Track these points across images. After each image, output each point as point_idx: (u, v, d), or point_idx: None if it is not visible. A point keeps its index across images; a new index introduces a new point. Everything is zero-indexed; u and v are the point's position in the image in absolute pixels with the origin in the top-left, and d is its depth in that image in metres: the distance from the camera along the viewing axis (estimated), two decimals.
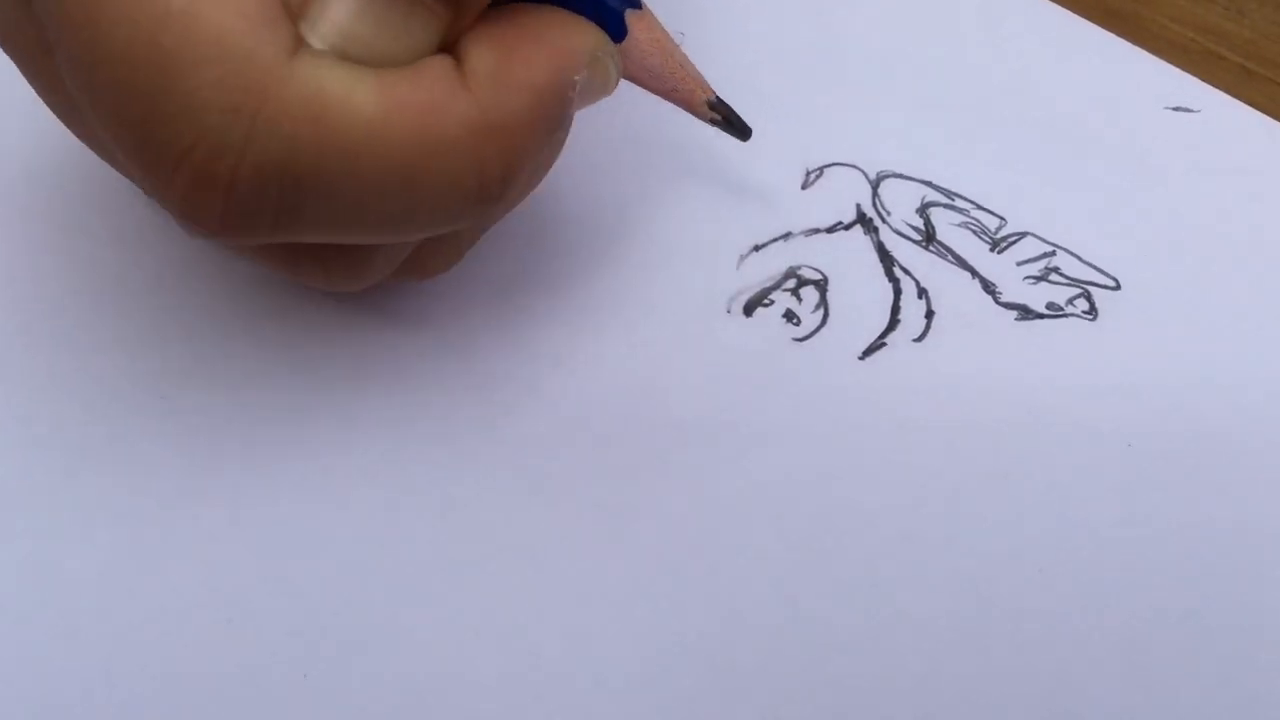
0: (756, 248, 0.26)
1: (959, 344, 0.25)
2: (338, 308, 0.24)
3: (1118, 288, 0.26)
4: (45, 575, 0.21)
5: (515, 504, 0.22)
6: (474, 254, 0.25)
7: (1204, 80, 0.30)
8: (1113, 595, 0.21)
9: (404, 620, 0.21)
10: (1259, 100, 0.29)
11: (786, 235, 0.26)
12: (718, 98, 0.23)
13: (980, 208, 0.27)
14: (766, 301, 0.25)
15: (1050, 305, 0.25)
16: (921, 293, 0.25)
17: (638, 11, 0.21)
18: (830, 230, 0.26)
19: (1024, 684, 0.20)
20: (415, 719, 0.20)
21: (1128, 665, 0.21)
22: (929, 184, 0.27)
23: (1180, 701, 0.20)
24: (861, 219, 0.27)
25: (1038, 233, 0.26)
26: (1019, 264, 0.26)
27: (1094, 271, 0.26)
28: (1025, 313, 0.25)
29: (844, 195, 0.27)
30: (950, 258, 0.26)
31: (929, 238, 0.26)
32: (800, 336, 0.25)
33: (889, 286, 0.26)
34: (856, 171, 0.27)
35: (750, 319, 0.25)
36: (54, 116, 0.20)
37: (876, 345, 0.25)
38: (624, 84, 0.21)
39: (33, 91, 0.20)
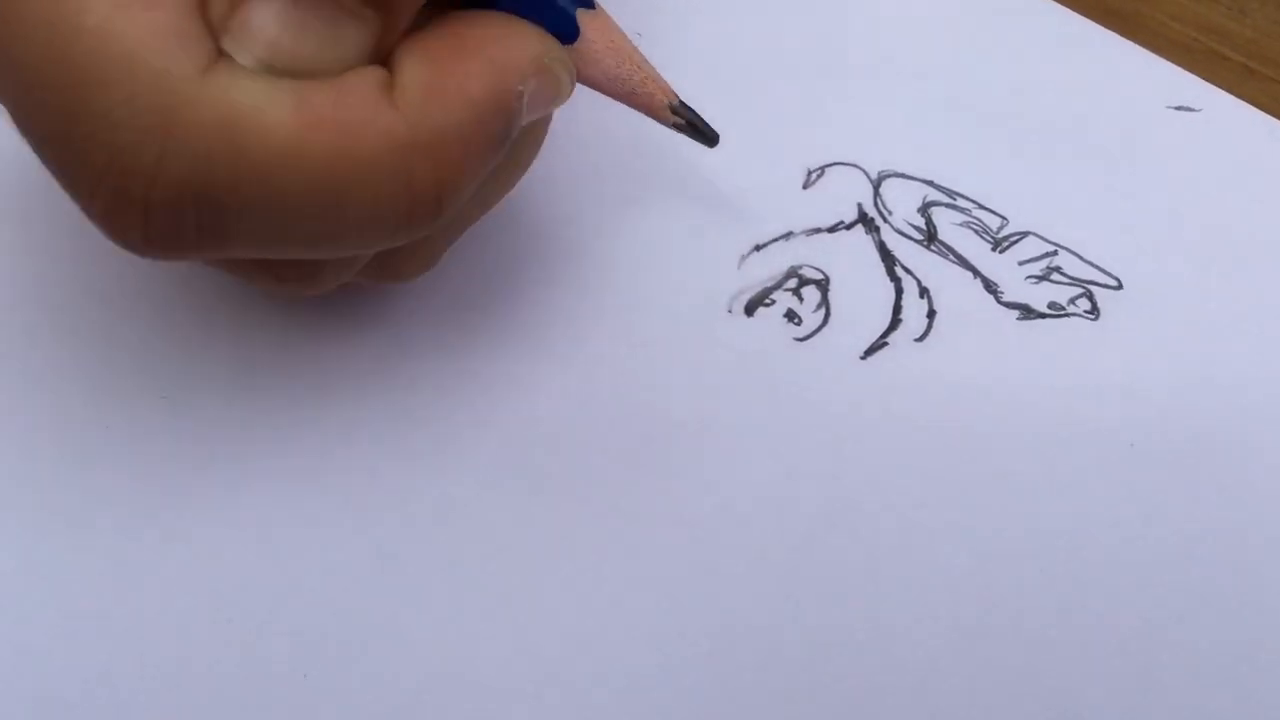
0: (758, 247, 0.26)
1: (961, 344, 0.25)
2: (338, 309, 0.24)
3: (1120, 287, 0.26)
4: (45, 575, 0.21)
5: (515, 504, 0.22)
6: (475, 254, 0.25)
7: (1206, 79, 0.29)
8: (1114, 595, 0.21)
9: (404, 620, 0.21)
10: (1261, 99, 0.29)
11: (788, 235, 0.26)
12: (681, 101, 0.22)
13: (982, 207, 0.27)
14: (768, 301, 0.25)
15: (1052, 305, 0.25)
16: (923, 292, 0.25)
17: (590, 11, 0.20)
18: (832, 230, 0.26)
19: (1025, 684, 0.20)
20: (415, 718, 0.20)
21: (1129, 665, 0.21)
22: (930, 183, 0.27)
23: (1181, 701, 0.20)
24: (863, 218, 0.27)
25: (1039, 232, 0.26)
26: (1021, 263, 0.26)
27: (1096, 271, 0.26)
28: (1027, 312, 0.25)
29: (845, 195, 0.27)
30: (952, 257, 0.26)
31: (930, 237, 0.26)
32: (801, 336, 0.25)
33: (890, 286, 0.25)
34: (858, 171, 0.27)
35: (751, 319, 0.25)
36: None
37: (878, 345, 0.25)
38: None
39: None
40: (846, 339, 0.25)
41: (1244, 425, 0.24)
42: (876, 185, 0.27)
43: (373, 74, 0.17)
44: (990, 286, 0.26)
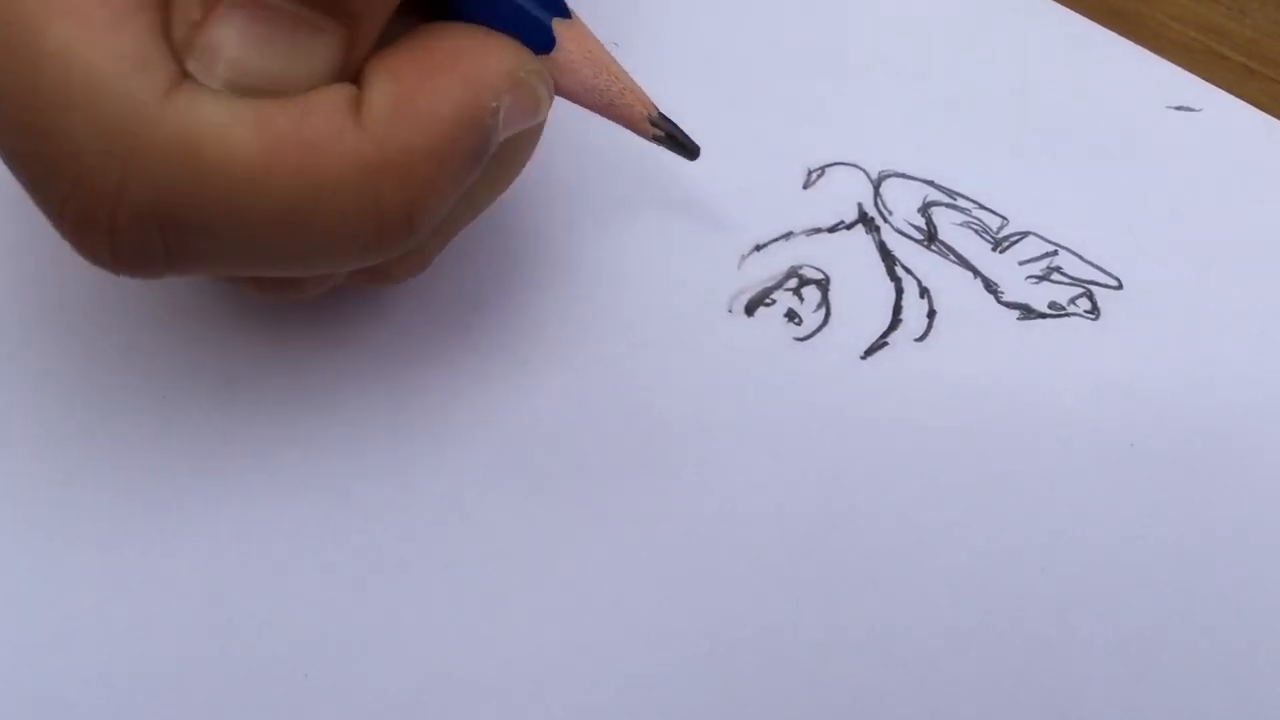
0: (758, 247, 0.26)
1: (961, 344, 0.25)
2: (338, 308, 0.24)
3: (1120, 287, 0.26)
4: (45, 575, 0.21)
5: (515, 504, 0.22)
6: (474, 254, 0.25)
7: (1206, 79, 0.29)
8: (1114, 594, 0.21)
9: (404, 620, 0.21)
10: (1261, 99, 0.29)
11: (788, 235, 0.26)
12: (660, 113, 0.21)
13: (982, 207, 0.27)
14: (768, 301, 0.25)
15: (1052, 305, 0.25)
16: (923, 292, 0.25)
17: (566, 21, 0.19)
18: (832, 230, 0.26)
19: (1026, 683, 0.20)
20: (415, 717, 0.20)
21: (1130, 665, 0.21)
22: (931, 183, 0.27)
23: (1182, 701, 0.20)
24: (863, 218, 0.27)
25: (1040, 232, 0.26)
26: (1021, 263, 0.26)
27: (1096, 271, 0.26)
28: (1027, 312, 0.25)
29: (846, 194, 0.27)
30: (952, 257, 0.26)
31: (931, 237, 0.26)
32: (802, 336, 0.25)
33: (891, 286, 0.25)
34: (858, 171, 0.27)
35: (752, 318, 0.25)
36: None
37: (878, 345, 0.25)
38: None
39: None
40: (847, 339, 0.25)
41: (1244, 425, 0.24)
42: (877, 185, 0.27)
43: (340, 92, 0.17)
44: (990, 286, 0.26)
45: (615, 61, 0.20)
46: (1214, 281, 0.26)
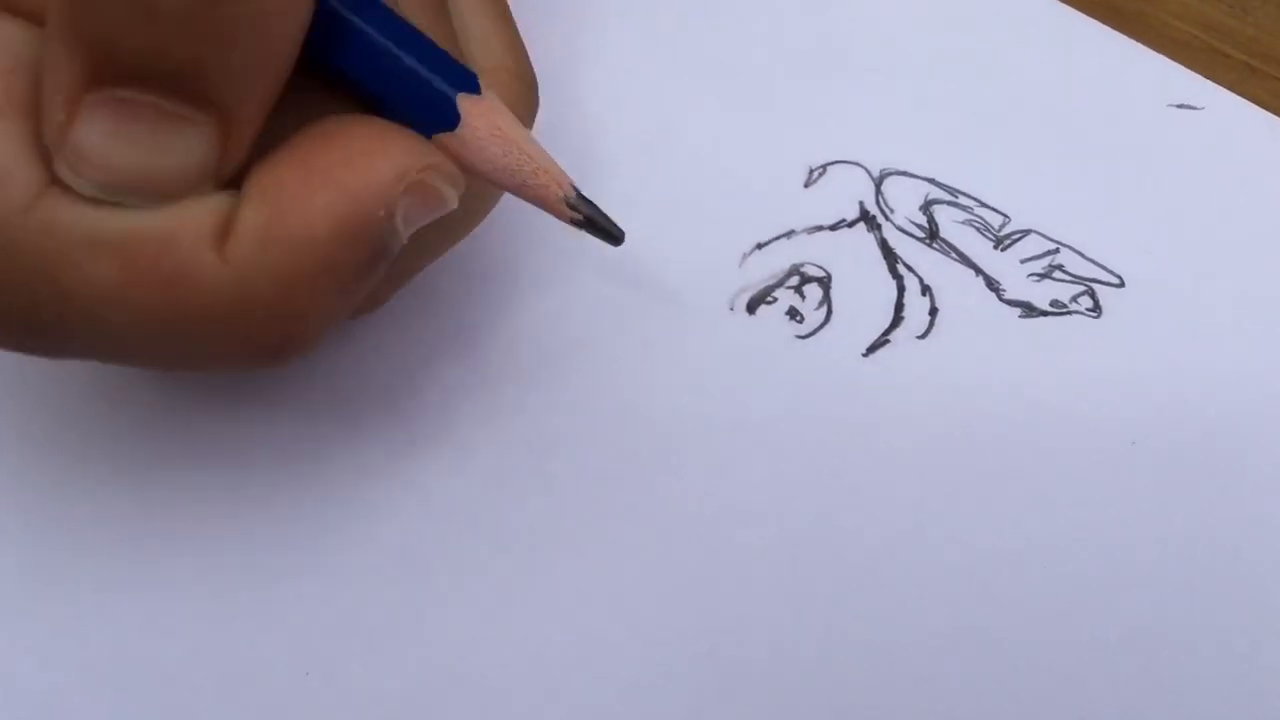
0: (759, 245, 0.26)
1: (962, 341, 0.25)
2: None
3: (1122, 285, 0.26)
4: (45, 574, 0.21)
5: (515, 502, 0.22)
6: (474, 253, 0.25)
7: (1208, 77, 0.29)
8: (1115, 592, 0.21)
9: (405, 618, 0.21)
10: (1263, 97, 0.29)
11: (789, 233, 0.26)
12: (580, 195, 0.19)
13: (984, 205, 0.27)
14: (770, 299, 0.25)
15: (1054, 303, 0.25)
16: (925, 290, 0.25)
17: (474, 96, 0.18)
18: (833, 227, 0.26)
19: (1026, 681, 0.20)
20: (416, 717, 0.20)
21: (1130, 663, 0.21)
22: (932, 181, 0.27)
23: (1182, 700, 0.20)
24: (865, 216, 0.27)
25: (1041, 230, 0.26)
26: (1023, 261, 0.26)
27: (1098, 269, 0.26)
28: (1029, 310, 0.25)
29: (847, 192, 0.27)
30: (954, 255, 0.26)
31: (932, 235, 0.26)
32: (803, 334, 0.25)
33: (892, 284, 0.25)
34: (859, 169, 0.27)
35: (753, 316, 0.25)
36: None
37: (880, 342, 0.25)
38: None
39: None
40: (848, 336, 0.25)
41: (1246, 423, 0.24)
42: (878, 183, 0.27)
43: (209, 215, 0.16)
44: (992, 284, 0.26)
45: (529, 138, 0.19)
46: (1216, 280, 0.26)
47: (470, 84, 0.18)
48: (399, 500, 0.22)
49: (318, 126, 0.17)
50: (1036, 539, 0.22)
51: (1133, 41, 0.30)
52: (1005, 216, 0.27)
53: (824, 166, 0.27)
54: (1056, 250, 0.26)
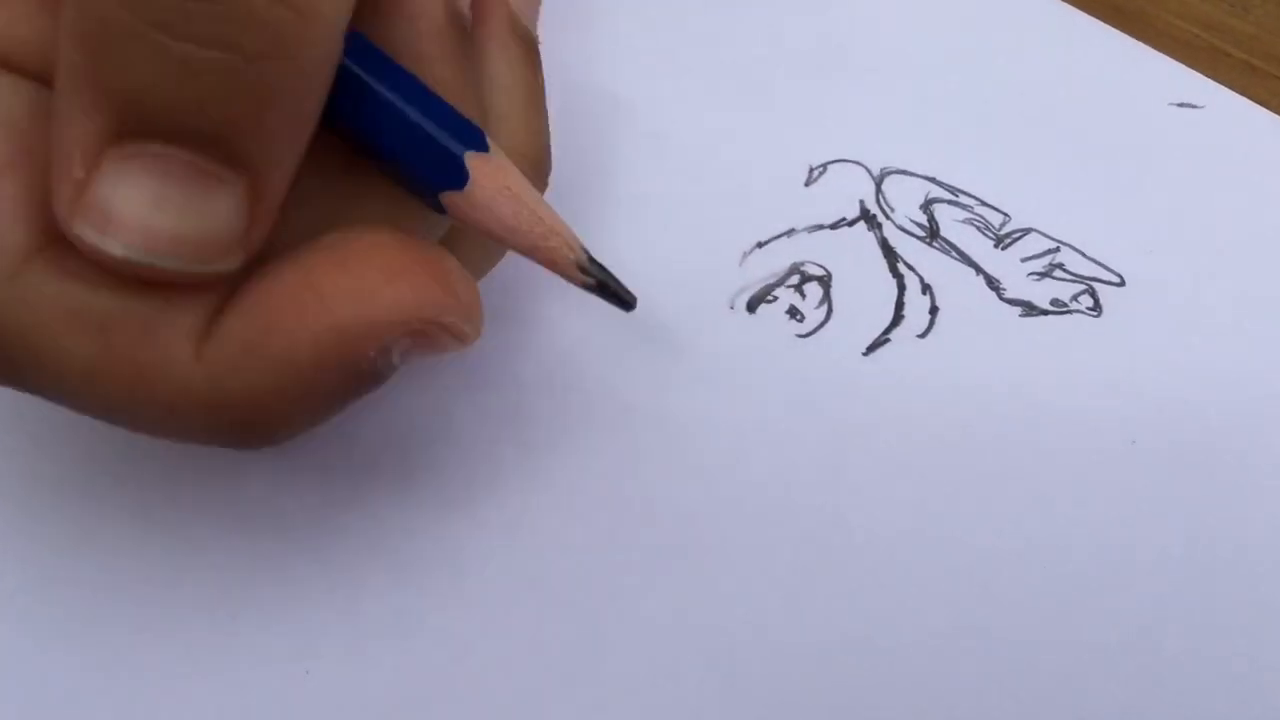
0: (760, 244, 0.26)
1: (963, 340, 0.25)
2: None
3: (1122, 284, 0.26)
4: (45, 573, 0.21)
5: (515, 502, 0.22)
6: None
7: (1209, 76, 0.29)
8: (1115, 592, 0.21)
9: (405, 618, 0.21)
10: (1264, 96, 0.29)
11: (790, 231, 0.26)
12: (592, 258, 0.19)
13: (984, 204, 0.27)
14: (770, 298, 0.25)
15: (1054, 302, 0.25)
16: (925, 289, 0.25)
17: (483, 154, 0.17)
18: (834, 226, 0.26)
19: (1027, 681, 0.20)
20: (416, 716, 0.20)
21: (1130, 663, 0.21)
22: (933, 180, 0.27)
23: (1182, 700, 0.20)
24: (865, 215, 0.27)
25: (1042, 229, 0.26)
26: (1023, 260, 0.26)
27: (1098, 268, 0.26)
28: (1029, 309, 0.25)
29: (847, 191, 0.27)
30: (954, 254, 0.26)
31: (933, 234, 0.26)
32: (804, 333, 0.25)
33: (893, 282, 0.25)
34: (860, 168, 0.27)
35: (754, 315, 0.25)
36: None
37: (880, 341, 0.25)
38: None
39: None
40: (849, 335, 0.25)
41: (1246, 422, 0.24)
42: (879, 182, 0.27)
43: (196, 311, 0.16)
44: (992, 283, 0.26)
45: (540, 199, 0.18)
46: (1216, 279, 0.26)
47: (479, 142, 0.17)
48: (398, 499, 0.22)
49: (329, 240, 0.16)
50: (1036, 538, 0.22)
51: (1134, 40, 0.30)
52: (1005, 215, 0.27)
53: (824, 165, 0.27)
54: (1057, 249, 0.26)
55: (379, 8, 0.17)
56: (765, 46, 0.30)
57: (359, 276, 0.16)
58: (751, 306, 0.25)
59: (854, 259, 0.26)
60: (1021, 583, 0.21)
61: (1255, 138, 0.28)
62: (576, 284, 0.19)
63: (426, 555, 0.21)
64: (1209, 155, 0.28)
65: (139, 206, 0.14)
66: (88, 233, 0.15)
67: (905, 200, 0.27)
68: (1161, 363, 0.24)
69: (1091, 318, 0.25)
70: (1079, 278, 0.26)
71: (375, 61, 0.16)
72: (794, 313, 0.25)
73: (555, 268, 0.18)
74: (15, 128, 0.16)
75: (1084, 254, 0.26)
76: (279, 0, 0.14)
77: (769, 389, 0.24)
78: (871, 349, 0.24)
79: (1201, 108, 0.29)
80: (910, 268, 0.26)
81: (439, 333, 0.16)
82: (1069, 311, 0.25)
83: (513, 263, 0.25)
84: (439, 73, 0.17)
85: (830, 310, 0.25)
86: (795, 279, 0.25)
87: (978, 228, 0.26)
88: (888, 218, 0.27)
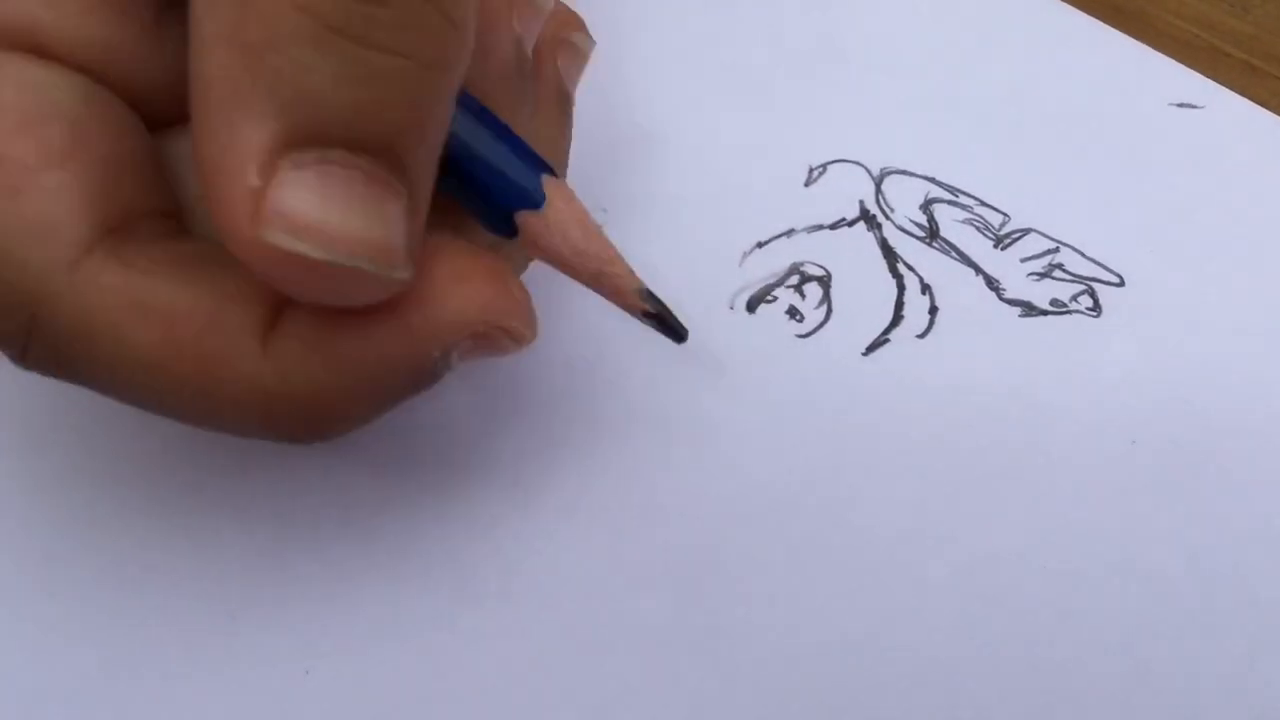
0: (759, 244, 0.26)
1: (962, 341, 0.25)
2: None
3: (1122, 284, 0.26)
4: (45, 572, 0.21)
5: (515, 501, 0.22)
6: None
7: (1208, 76, 0.29)
8: (1115, 592, 0.21)
9: (405, 617, 0.21)
10: (1264, 96, 0.29)
11: (790, 232, 0.26)
12: (649, 291, 0.19)
13: (984, 204, 0.27)
14: (770, 298, 0.25)
15: (1054, 302, 0.25)
16: (925, 289, 0.25)
17: (554, 179, 0.18)
18: (833, 226, 0.26)
19: (1027, 681, 0.20)
20: (416, 716, 0.20)
21: (1130, 663, 0.21)
22: (932, 180, 0.27)
23: (1182, 701, 0.20)
24: (865, 215, 0.27)
25: (1041, 229, 0.26)
26: (1023, 260, 0.26)
27: (1098, 268, 0.26)
28: (1029, 309, 0.25)
29: (847, 191, 0.27)
30: (954, 254, 0.26)
31: (932, 234, 0.26)
32: (803, 333, 0.25)
33: (892, 283, 0.25)
34: (859, 168, 0.27)
35: (753, 315, 0.25)
36: None
37: (880, 341, 0.25)
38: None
39: None
40: (848, 335, 0.25)
41: (1246, 422, 0.24)
42: (878, 182, 0.27)
43: (259, 306, 0.16)
44: (992, 283, 0.26)
45: (602, 229, 0.19)
46: (1216, 279, 0.26)
47: (549, 170, 0.18)
48: (398, 499, 0.22)
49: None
50: (1036, 538, 0.22)
51: (1133, 40, 0.30)
52: (1005, 215, 0.27)
53: (824, 165, 0.27)
54: (1056, 249, 0.26)
55: None
56: (765, 46, 0.30)
57: (427, 279, 0.16)
58: (751, 306, 0.25)
59: (854, 259, 0.26)
60: (1021, 583, 0.21)
61: (1255, 138, 0.28)
62: (635, 312, 0.19)
63: (426, 555, 0.21)
64: (1209, 155, 0.28)
65: (325, 212, 0.14)
66: (281, 239, 0.14)
67: (905, 200, 0.27)
68: (1161, 363, 0.24)
69: (1091, 318, 0.25)
70: (1078, 278, 0.26)
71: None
72: (794, 313, 0.25)
73: (617, 295, 0.19)
74: (70, 120, 0.16)
75: (1083, 254, 0.26)
76: (440, 12, 0.14)
77: (768, 389, 0.24)
78: (871, 349, 0.24)
79: (1201, 108, 0.29)
80: (910, 268, 0.26)
81: (500, 336, 0.17)
82: (1068, 312, 0.25)
83: None
84: (504, 109, 0.18)
85: (830, 310, 0.25)
86: (795, 279, 0.25)
87: (977, 228, 0.26)
88: (887, 218, 0.27)
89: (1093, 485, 0.23)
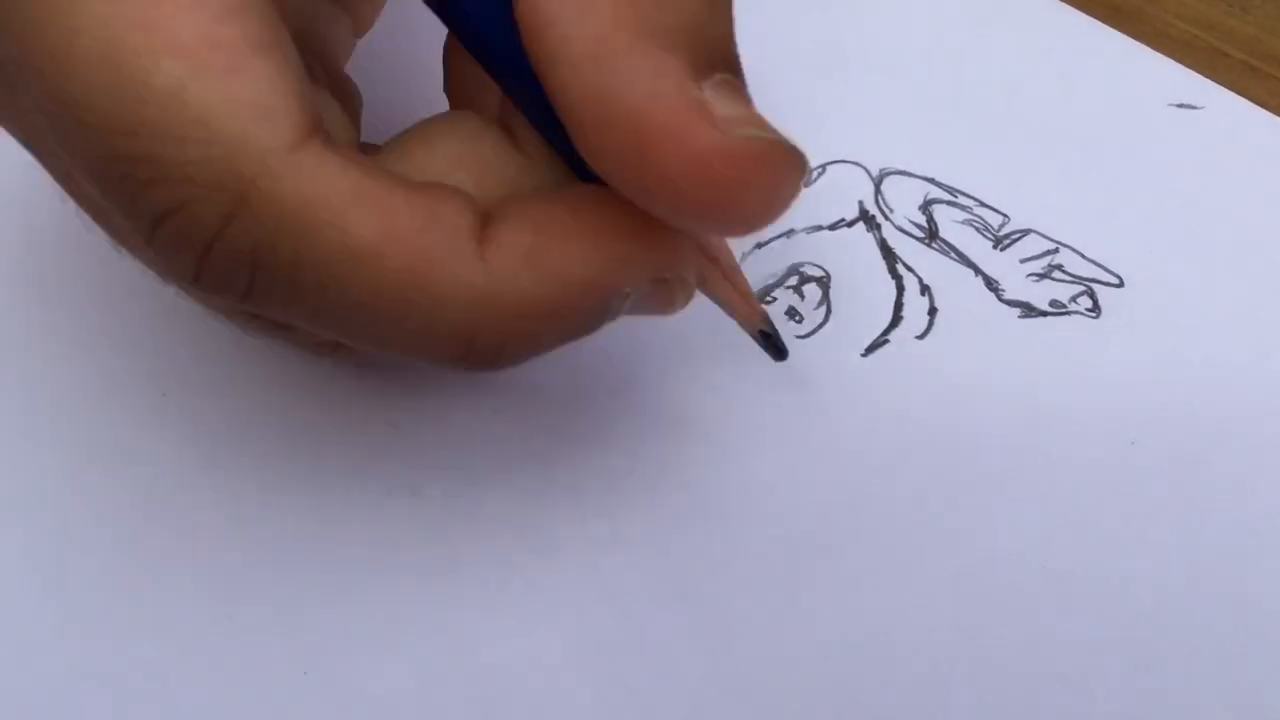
0: (759, 245, 0.26)
1: (962, 341, 0.25)
2: None
3: (1121, 285, 0.26)
4: (45, 572, 0.21)
5: (516, 501, 0.22)
6: None
7: (1208, 77, 0.29)
8: (1115, 593, 0.21)
9: (405, 618, 0.21)
10: (1263, 97, 0.29)
11: (789, 232, 0.26)
12: (765, 311, 0.22)
13: (983, 205, 0.27)
14: (769, 298, 0.25)
15: (1053, 303, 0.25)
16: (924, 290, 0.25)
17: None
18: (833, 227, 0.26)
19: (1027, 681, 0.20)
20: (415, 716, 0.20)
21: (1130, 663, 0.21)
22: (932, 181, 0.27)
23: (1182, 701, 0.20)
24: (864, 216, 0.27)
25: (1041, 230, 0.26)
26: (1022, 261, 0.26)
27: (1097, 269, 0.26)
28: (1028, 310, 0.25)
29: (846, 192, 0.27)
30: (953, 255, 0.26)
31: (932, 235, 0.26)
32: (803, 334, 0.25)
33: (892, 283, 0.25)
34: (859, 169, 0.27)
35: None
36: None
37: (879, 342, 0.25)
38: None
39: None
40: (847, 336, 0.25)
41: (1246, 423, 0.23)
42: (878, 183, 0.27)
43: (467, 211, 0.16)
44: (991, 284, 0.26)
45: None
46: (1216, 279, 0.26)
47: None
48: (398, 499, 0.22)
49: (604, 191, 0.16)
50: (1036, 539, 0.22)
51: (1133, 41, 0.30)
52: (1005, 216, 0.27)
53: (823, 166, 0.27)
54: (1056, 250, 0.26)
55: None
56: (764, 47, 0.30)
57: (641, 219, 0.17)
58: None
59: (853, 260, 0.26)
60: (1021, 583, 0.21)
61: (1255, 138, 0.28)
62: (752, 326, 0.22)
63: (427, 556, 0.21)
64: (1208, 155, 0.28)
65: (752, 114, 0.16)
66: (751, 131, 0.16)
67: (904, 201, 0.27)
68: (1160, 363, 0.24)
69: (1090, 319, 0.25)
70: (1078, 279, 0.26)
71: None
72: (793, 313, 0.25)
73: (742, 308, 0.21)
74: (266, 16, 0.15)
75: (1083, 255, 0.26)
76: None
77: (767, 389, 0.24)
78: (870, 350, 0.24)
79: (1201, 108, 0.29)
80: (909, 269, 0.26)
81: (676, 289, 0.18)
82: (1068, 312, 0.25)
83: None
84: None
85: (829, 311, 0.25)
86: (794, 280, 0.25)
87: (977, 228, 0.26)
88: (887, 218, 0.27)
89: (1092, 486, 0.23)
